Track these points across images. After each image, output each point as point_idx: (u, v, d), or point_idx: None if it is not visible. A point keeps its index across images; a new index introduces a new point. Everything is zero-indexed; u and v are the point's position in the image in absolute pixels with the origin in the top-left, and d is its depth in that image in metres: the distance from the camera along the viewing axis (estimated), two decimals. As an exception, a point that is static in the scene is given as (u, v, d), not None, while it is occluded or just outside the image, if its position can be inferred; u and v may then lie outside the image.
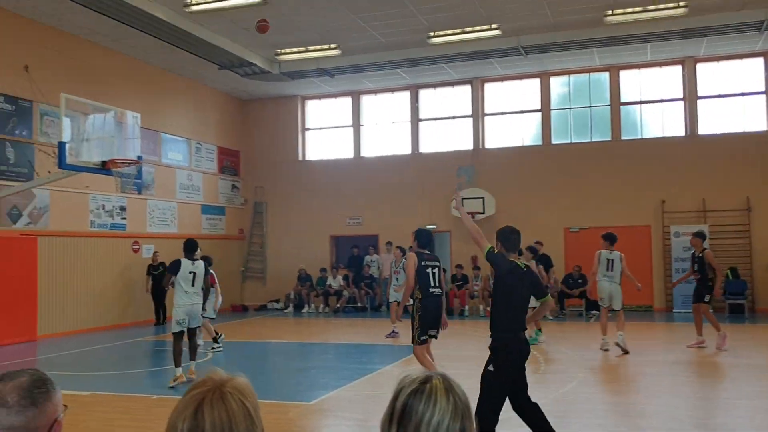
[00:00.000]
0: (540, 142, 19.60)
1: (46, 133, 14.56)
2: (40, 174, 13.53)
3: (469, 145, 20.11)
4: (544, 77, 19.49)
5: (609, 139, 19.02)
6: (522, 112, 19.91)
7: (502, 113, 20.09)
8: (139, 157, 12.92)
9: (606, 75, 19.11)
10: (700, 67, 18.37)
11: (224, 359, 11.44)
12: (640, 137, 18.89)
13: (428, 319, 7.57)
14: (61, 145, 11.61)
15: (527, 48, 16.67)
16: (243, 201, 21.91)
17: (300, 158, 21.67)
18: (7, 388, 1.72)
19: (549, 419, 6.94)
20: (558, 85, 19.68)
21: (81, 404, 7.83)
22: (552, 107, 19.60)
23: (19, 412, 1.70)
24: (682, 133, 18.44)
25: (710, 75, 18.36)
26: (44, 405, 1.75)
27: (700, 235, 11.95)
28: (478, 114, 20.06)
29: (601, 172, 18.69)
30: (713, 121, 18.28)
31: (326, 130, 21.82)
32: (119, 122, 13.37)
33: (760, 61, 17.87)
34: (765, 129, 17.74)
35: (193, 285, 9.30)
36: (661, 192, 18.14)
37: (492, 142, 20.12)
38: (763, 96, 17.88)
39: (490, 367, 5.32)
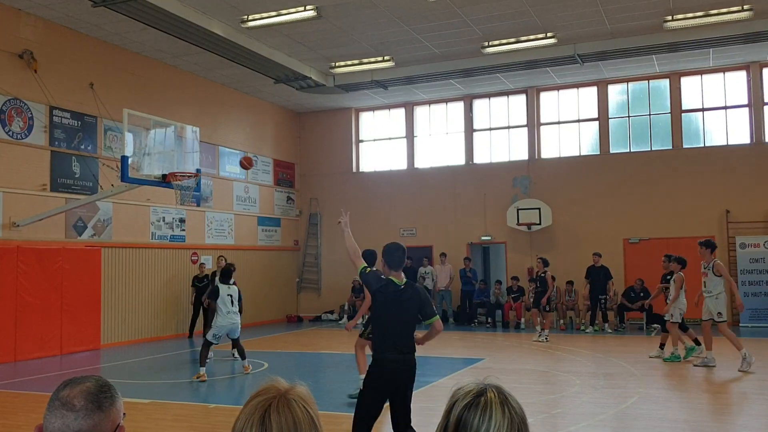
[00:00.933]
0: (598, 152, 19.22)
1: (110, 147, 15.03)
2: (104, 187, 13.96)
3: (524, 155, 19.87)
4: (602, 85, 19.13)
5: (670, 147, 18.52)
6: (579, 121, 19.57)
7: (558, 122, 19.79)
8: (198, 170, 13.19)
9: (666, 82, 18.64)
10: (766, 72, 17.74)
11: (278, 370, 11.52)
12: (702, 145, 18.33)
13: None
14: (124, 159, 11.95)
15: (583, 56, 16.40)
16: (298, 212, 22.15)
17: (354, 170, 21.79)
18: (73, 393, 1.76)
19: (609, 436, 6.76)
20: (616, 93, 19.28)
21: (141, 411, 7.99)
22: (610, 116, 19.21)
23: (86, 416, 1.74)
24: (747, 141, 17.81)
25: (777, 80, 17.71)
26: (109, 410, 1.79)
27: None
28: (533, 123, 19.82)
29: (662, 181, 18.19)
30: (781, 127, 17.61)
31: (380, 141, 21.90)
32: (179, 136, 13.71)
33: (831, 64, 17.16)
34: (837, 135, 17.00)
35: (232, 305, 10.94)
36: (725, 202, 17.54)
37: (548, 152, 19.83)
38: (835, 101, 17.15)
39: (362, 385, 5.28)
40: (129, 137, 12.56)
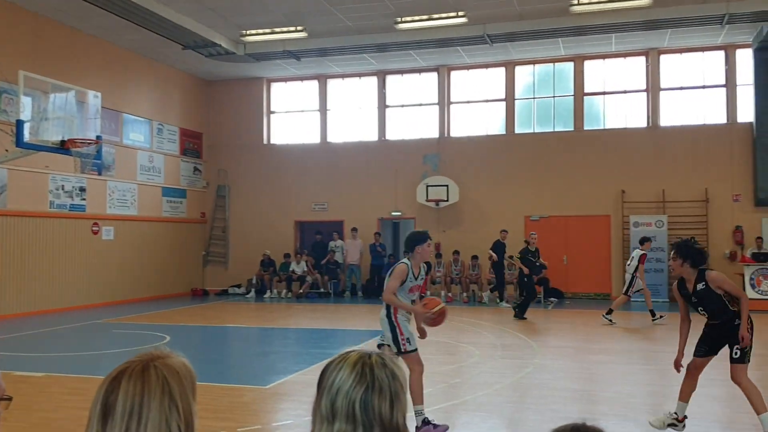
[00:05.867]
0: (504, 132, 19.73)
1: (5, 110, 14.19)
2: (-4, 152, 13.20)
3: (435, 133, 20.15)
4: (510, 66, 19.59)
5: (572, 129, 19.22)
6: (487, 101, 20.00)
7: (468, 102, 20.16)
8: (99, 137, 12.70)
9: (570, 65, 19.28)
10: (663, 58, 18.63)
11: (180, 343, 11.35)
12: (602, 128, 19.13)
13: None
14: (20, 123, 11.37)
15: (493, 36, 16.73)
16: (205, 184, 21.67)
17: (265, 141, 21.48)
18: None
19: (504, 404, 7.05)
20: (523, 74, 19.80)
21: (34, 385, 7.71)
22: (516, 97, 19.72)
23: None
24: (644, 125, 18.71)
25: (673, 67, 18.63)
26: None
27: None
28: (444, 102, 20.10)
29: (563, 161, 18.89)
30: (674, 113, 18.59)
31: (292, 113, 21.67)
32: (80, 102, 13.14)
33: (721, 54, 18.19)
34: (725, 122, 18.09)
35: None
36: (621, 182, 18.42)
37: (457, 130, 20.19)
38: (724, 89, 18.22)
39: None
40: (26, 101, 11.93)
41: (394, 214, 20.31)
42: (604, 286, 18.54)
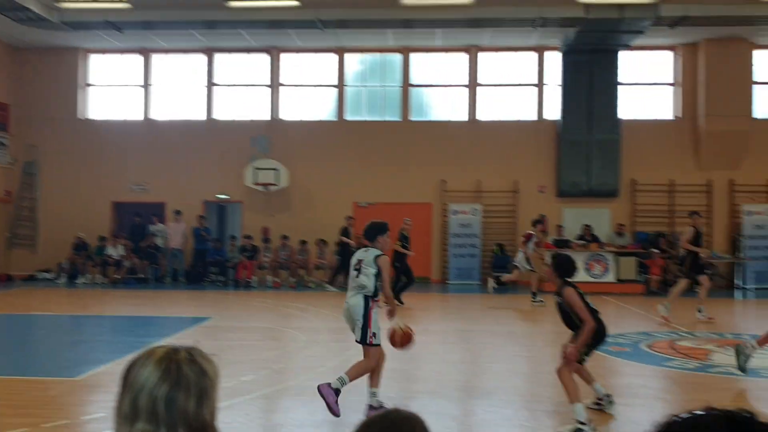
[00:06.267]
0: (335, 118, 19.94)
1: None
2: None
3: (265, 115, 19.91)
4: (341, 53, 19.79)
5: (399, 119, 19.83)
6: (318, 86, 20.09)
7: (299, 86, 20.12)
8: None
9: (399, 56, 19.85)
10: (482, 56, 19.72)
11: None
12: (427, 119, 19.93)
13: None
14: None
15: (325, 22, 16.80)
16: (12, 160, 19.81)
17: (80, 116, 20.04)
18: None
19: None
20: (354, 62, 20.09)
21: None
22: (347, 84, 19.98)
23: None
24: (465, 118, 19.73)
25: (491, 64, 19.78)
26: None
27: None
28: (275, 84, 19.90)
29: (391, 150, 19.46)
30: (491, 108, 19.77)
31: (112, 88, 20.39)
32: None
33: (534, 55, 19.60)
34: (535, 119, 19.54)
35: None
36: (442, 172, 19.32)
37: (288, 113, 20.09)
38: (535, 88, 19.66)
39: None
40: None
41: (220, 197, 19.83)
42: (425, 271, 19.40)
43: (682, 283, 12.11)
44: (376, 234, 6.28)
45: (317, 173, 19.46)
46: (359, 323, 6.05)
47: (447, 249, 19.18)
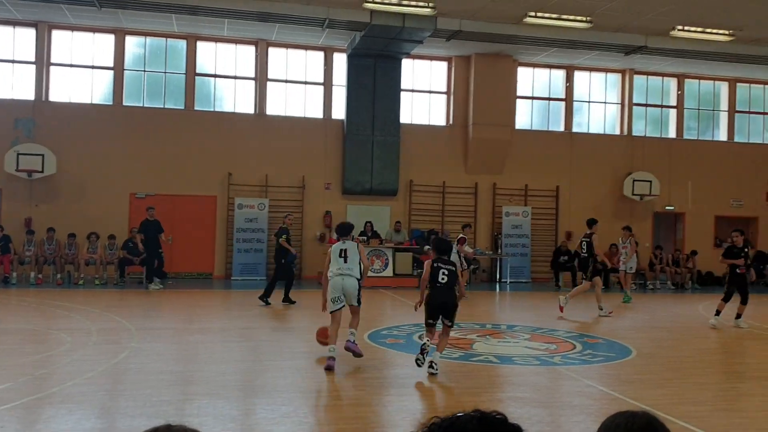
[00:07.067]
0: (111, 102, 18.72)
1: None
2: None
3: (30, 95, 18.12)
4: (119, 34, 18.61)
5: (183, 108, 19.13)
6: (93, 67, 18.72)
7: (71, 65, 18.59)
8: None
9: (184, 43, 19.13)
10: (271, 50, 19.66)
11: None
12: (213, 110, 19.44)
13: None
14: None
15: (102, 1, 15.68)
16: None
17: None
18: None
19: (96, 393, 6.77)
20: (133, 45, 19.00)
21: None
22: (126, 67, 18.85)
23: None
24: (252, 111, 19.54)
25: (280, 60, 19.79)
26: None
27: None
28: (42, 62, 18.20)
29: (173, 139, 18.71)
30: (280, 103, 19.79)
31: None
32: None
33: (321, 54, 19.94)
34: (322, 117, 19.91)
35: None
36: (229, 165, 18.99)
37: (57, 95, 18.48)
38: (322, 87, 20.02)
39: None
40: None
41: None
42: (207, 266, 18.96)
43: (586, 284, 13.75)
44: (349, 231, 8.64)
45: (90, 161, 18.15)
46: (357, 295, 8.26)
47: (232, 244, 18.87)
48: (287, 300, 13.86)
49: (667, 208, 21.78)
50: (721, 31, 17.22)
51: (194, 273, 18.77)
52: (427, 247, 18.77)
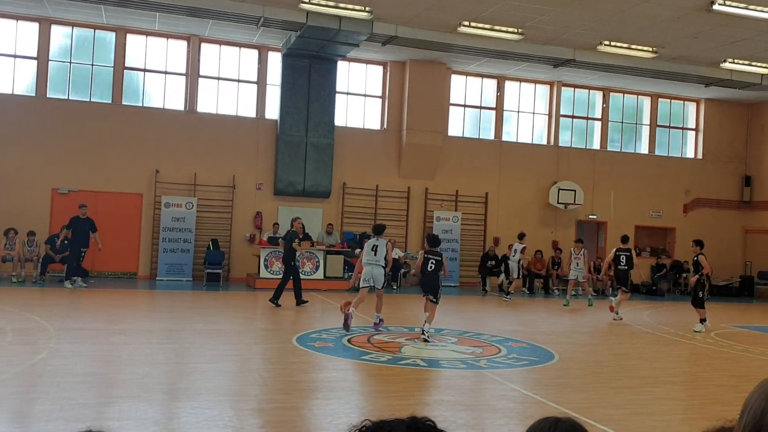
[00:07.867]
0: (34, 94, 18.00)
1: None
2: None
3: (-56, 83, 17.27)
4: (45, 23, 17.93)
5: (110, 101, 18.57)
6: (16, 56, 17.97)
7: (-9, 53, 17.80)
8: None
9: (113, 35, 18.58)
10: (204, 47, 19.31)
11: None
12: (141, 105, 18.95)
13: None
14: None
15: (26, -13, 15.08)
16: None
17: None
18: None
19: (10, 396, 6.49)
20: (60, 35, 18.33)
21: None
22: (51, 58, 18.17)
23: None
24: (182, 108, 19.14)
25: (212, 56, 19.45)
26: None
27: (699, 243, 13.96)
28: (-41, 48, 17.35)
29: (99, 134, 18.15)
30: (212, 100, 19.46)
31: None
32: None
33: (255, 53, 19.72)
34: (254, 116, 19.68)
35: None
36: (156, 162, 18.54)
37: (-25, 83, 17.66)
38: (255, 86, 19.79)
39: None
40: None
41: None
42: (132, 266, 18.45)
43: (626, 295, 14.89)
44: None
45: (9, 154, 17.41)
46: (383, 280, 11.42)
47: (158, 243, 18.42)
48: (301, 302, 14.04)
49: (590, 216, 22.51)
50: (645, 48, 17.92)
51: (118, 272, 18.23)
52: (358, 250, 18.83)
